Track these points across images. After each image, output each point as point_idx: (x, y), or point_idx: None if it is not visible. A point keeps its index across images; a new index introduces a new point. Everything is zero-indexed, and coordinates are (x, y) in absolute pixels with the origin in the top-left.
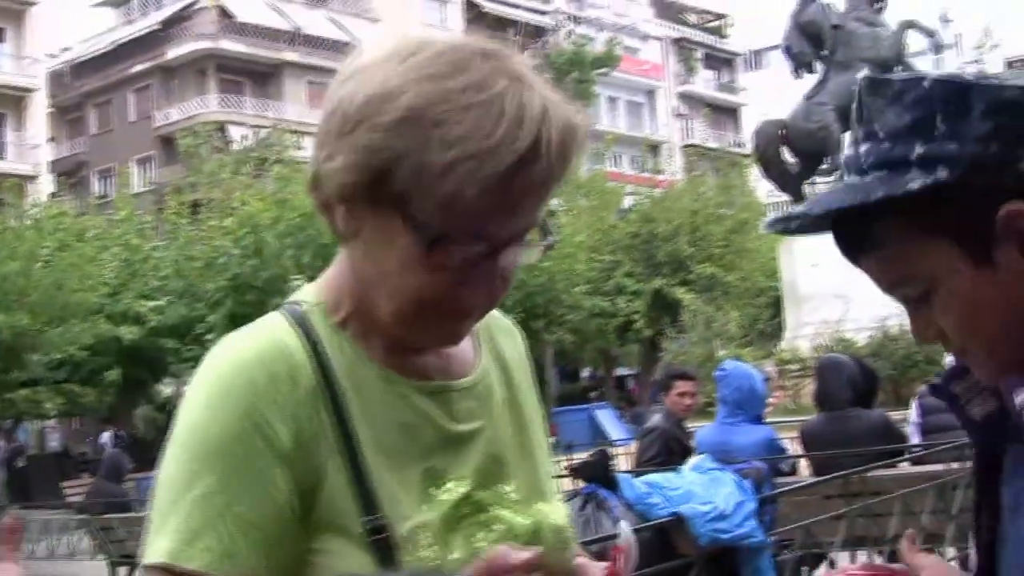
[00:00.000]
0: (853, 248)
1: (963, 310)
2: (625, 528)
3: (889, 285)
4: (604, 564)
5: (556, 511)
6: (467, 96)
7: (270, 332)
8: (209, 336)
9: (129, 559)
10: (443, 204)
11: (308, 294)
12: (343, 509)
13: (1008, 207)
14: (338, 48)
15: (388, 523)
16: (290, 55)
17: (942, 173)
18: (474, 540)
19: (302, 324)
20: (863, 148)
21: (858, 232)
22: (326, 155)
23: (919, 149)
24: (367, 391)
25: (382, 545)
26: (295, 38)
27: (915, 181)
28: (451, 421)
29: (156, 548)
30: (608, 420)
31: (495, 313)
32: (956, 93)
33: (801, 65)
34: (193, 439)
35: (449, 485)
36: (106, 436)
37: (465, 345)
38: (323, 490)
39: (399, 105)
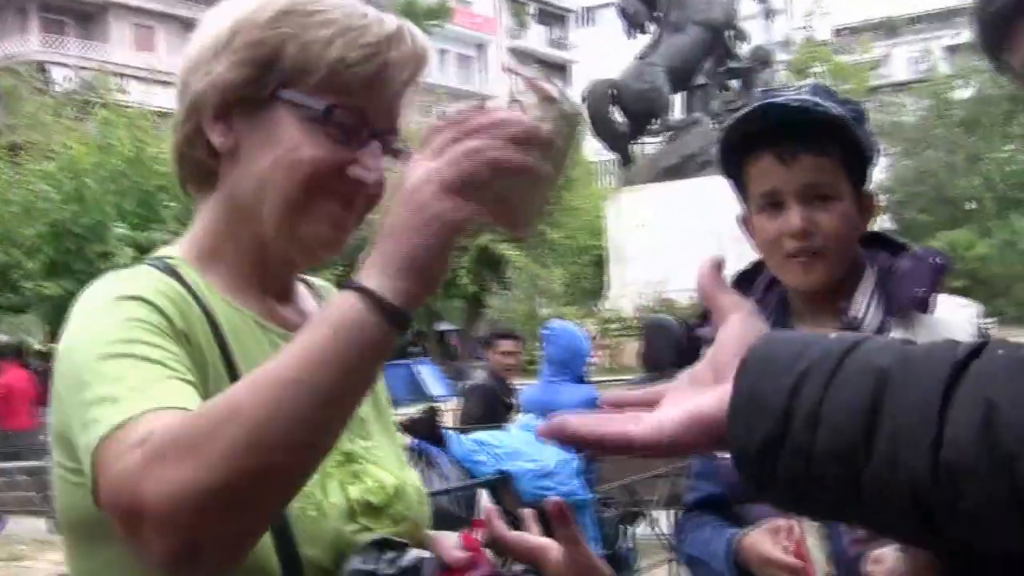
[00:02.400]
0: (802, 146)
1: (843, 222)
2: (484, 500)
3: (807, 183)
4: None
5: (412, 473)
6: None
7: (151, 274)
8: (27, 284)
9: None
10: (331, 72)
11: (169, 251)
12: None
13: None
14: None
15: None
16: None
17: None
18: (347, 488)
19: (174, 274)
20: (834, 106)
21: (817, 137)
22: (204, 74)
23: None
24: (243, 336)
25: None
26: None
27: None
28: None
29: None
30: (430, 376)
31: (332, 288)
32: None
33: (634, 25)
34: (94, 344)
35: None
36: None
37: (311, 304)
38: None
39: (275, 5)
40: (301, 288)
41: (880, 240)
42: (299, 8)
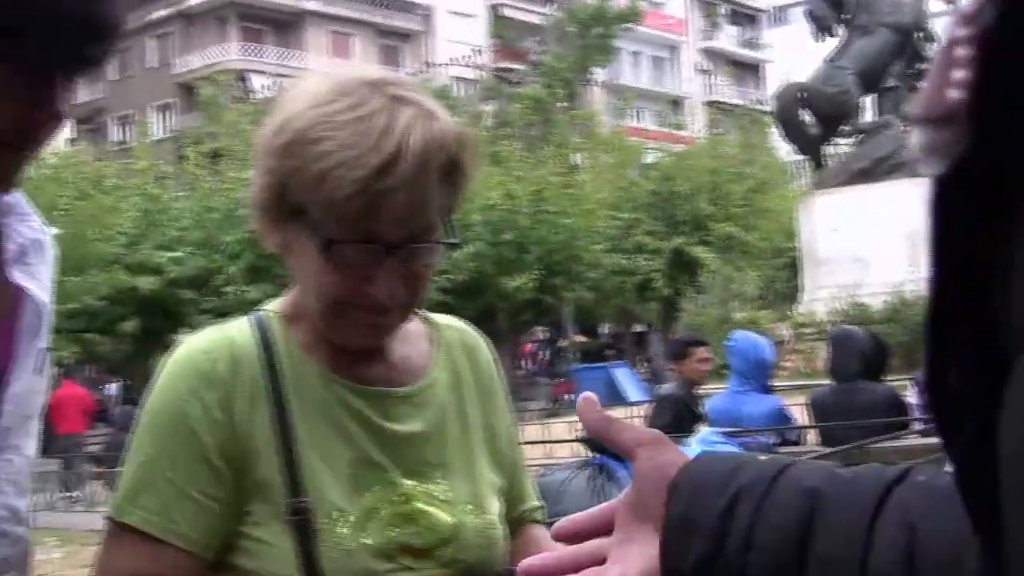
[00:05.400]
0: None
1: None
2: None
3: None
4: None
5: (487, 514)
6: (342, 116)
7: (224, 330)
8: (227, 288)
9: None
10: (326, 209)
11: (274, 304)
12: (273, 490)
13: None
14: None
15: (310, 506)
16: (312, 4)
17: None
18: (390, 529)
19: (260, 326)
20: None
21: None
22: (253, 180)
23: None
24: (307, 388)
25: (302, 525)
26: None
27: None
28: (385, 421)
29: (110, 503)
30: (626, 379)
31: (461, 327)
32: None
33: (822, 29)
34: (144, 414)
35: (377, 476)
36: (113, 387)
37: (419, 355)
38: (256, 471)
39: (289, 130)
40: (413, 330)
41: None
42: (305, 137)
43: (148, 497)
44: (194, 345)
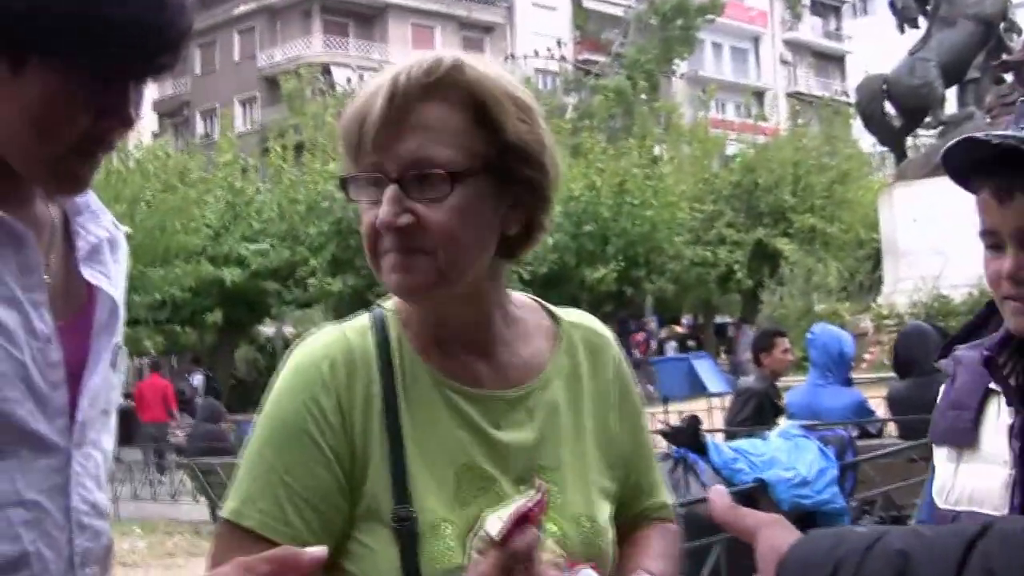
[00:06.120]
0: (1018, 184)
1: None
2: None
3: (1021, 226)
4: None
5: (595, 522)
6: (377, 79)
7: (342, 331)
8: (311, 279)
9: None
10: (343, 152)
11: (391, 301)
12: (380, 495)
13: None
14: None
15: (414, 514)
16: None
17: None
18: None
19: (379, 325)
20: None
21: None
22: None
23: None
24: (418, 390)
25: (406, 534)
26: None
27: None
28: (495, 428)
29: (225, 506)
30: (707, 370)
31: (589, 325)
32: None
33: (905, 20)
34: (264, 419)
35: (483, 486)
36: (197, 378)
37: (536, 353)
38: (367, 476)
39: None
40: (535, 325)
41: None
42: (349, 104)
43: (267, 502)
44: (311, 348)
